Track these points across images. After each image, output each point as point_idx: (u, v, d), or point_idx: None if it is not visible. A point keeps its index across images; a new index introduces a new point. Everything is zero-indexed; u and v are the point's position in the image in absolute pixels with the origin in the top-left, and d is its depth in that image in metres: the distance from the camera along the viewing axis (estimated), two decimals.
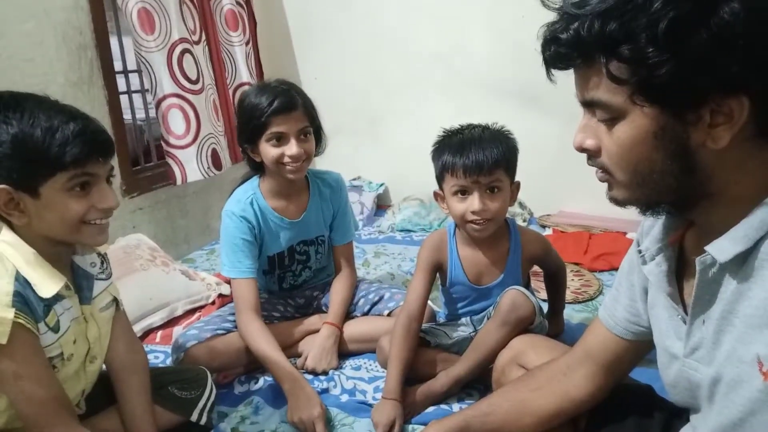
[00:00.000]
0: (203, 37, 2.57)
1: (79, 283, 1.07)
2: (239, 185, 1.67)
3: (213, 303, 2.01)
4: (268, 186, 1.62)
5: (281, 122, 1.47)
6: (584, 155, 0.71)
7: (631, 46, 0.58)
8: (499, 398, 1.03)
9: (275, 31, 3.16)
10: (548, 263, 1.56)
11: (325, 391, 1.46)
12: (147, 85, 2.36)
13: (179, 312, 1.93)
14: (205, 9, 2.61)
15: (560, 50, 0.64)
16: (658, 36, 0.56)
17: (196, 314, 1.95)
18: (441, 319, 1.62)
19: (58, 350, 1.00)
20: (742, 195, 0.63)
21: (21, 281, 0.94)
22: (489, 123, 1.39)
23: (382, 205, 3.15)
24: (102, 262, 1.14)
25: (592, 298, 1.94)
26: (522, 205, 2.83)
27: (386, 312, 1.65)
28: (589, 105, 0.67)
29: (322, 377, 1.52)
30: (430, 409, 1.36)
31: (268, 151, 1.50)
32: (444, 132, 1.40)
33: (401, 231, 2.80)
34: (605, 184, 0.72)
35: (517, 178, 1.38)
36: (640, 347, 0.90)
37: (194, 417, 1.24)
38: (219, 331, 1.54)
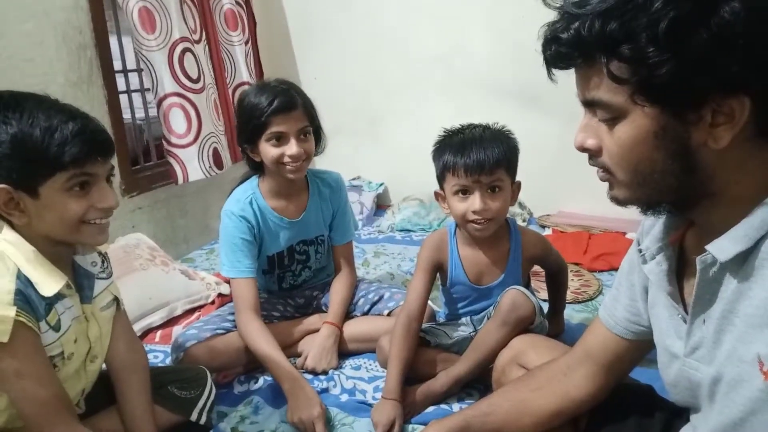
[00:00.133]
0: (203, 37, 2.57)
1: (80, 282, 1.06)
2: (238, 185, 1.67)
3: (212, 302, 2.01)
4: (268, 186, 1.62)
5: (281, 122, 1.47)
6: (584, 155, 0.71)
7: (631, 45, 0.58)
8: (499, 398, 1.03)
9: (275, 31, 3.16)
10: (549, 263, 1.56)
11: (325, 390, 1.46)
12: (148, 85, 2.36)
13: (179, 311, 1.93)
14: (204, 8, 2.61)
15: (561, 50, 0.64)
16: (659, 36, 0.56)
17: (196, 314, 1.95)
18: (441, 319, 1.62)
19: (59, 349, 1.00)
20: (743, 194, 0.63)
21: (22, 280, 0.94)
22: (489, 123, 1.39)
23: (381, 205, 3.15)
24: (103, 262, 1.14)
25: (591, 298, 1.94)
26: (522, 205, 2.83)
27: (386, 312, 1.65)
28: (589, 105, 0.67)
29: (321, 377, 1.52)
30: (430, 408, 1.36)
31: (268, 150, 1.50)
32: (445, 132, 1.40)
33: (401, 231, 2.80)
34: (605, 184, 0.72)
35: (517, 178, 1.38)
36: (641, 347, 0.90)
37: (194, 416, 1.24)
38: (218, 331, 1.54)
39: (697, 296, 0.69)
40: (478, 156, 1.28)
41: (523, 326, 1.31)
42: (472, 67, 2.82)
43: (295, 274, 1.73)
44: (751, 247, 0.61)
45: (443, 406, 1.37)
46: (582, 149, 0.70)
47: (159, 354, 1.72)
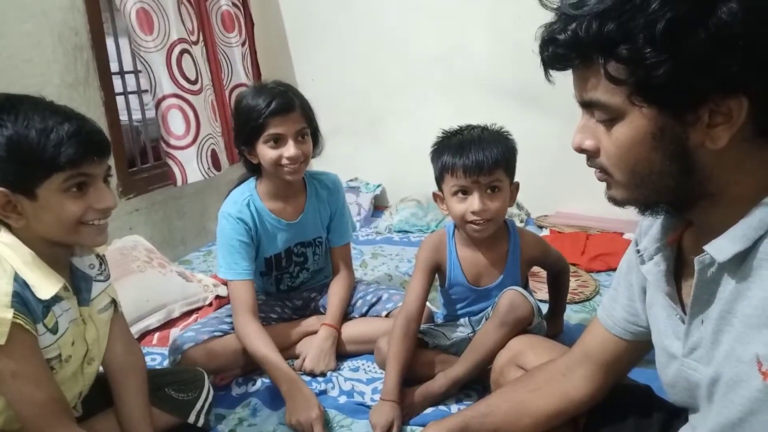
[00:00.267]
0: (200, 38, 2.57)
1: (78, 285, 1.06)
2: (236, 187, 1.67)
3: (210, 305, 2.00)
4: (265, 187, 1.61)
5: (279, 124, 1.47)
6: (582, 156, 0.71)
7: (629, 46, 0.58)
8: (497, 399, 1.03)
9: (272, 32, 3.16)
10: (550, 265, 1.56)
11: (323, 392, 1.46)
12: (146, 86, 2.35)
13: (176, 314, 1.92)
14: (201, 9, 2.61)
15: (558, 51, 0.64)
16: (656, 36, 0.56)
17: (193, 316, 1.94)
18: (439, 320, 1.62)
19: (56, 351, 1.00)
20: (741, 195, 0.63)
21: (20, 282, 0.93)
22: (488, 124, 1.39)
23: (379, 206, 3.15)
24: (100, 264, 1.14)
25: (588, 299, 1.94)
26: (519, 206, 2.84)
27: (384, 313, 1.65)
28: (587, 106, 0.67)
29: (320, 379, 1.52)
30: (429, 410, 1.36)
31: (266, 152, 1.49)
32: (443, 133, 1.40)
33: (399, 232, 2.80)
34: (602, 185, 0.72)
35: (515, 179, 1.38)
36: (639, 347, 0.89)
37: (191, 419, 1.24)
38: (216, 333, 1.54)
39: (696, 297, 0.69)
40: (476, 156, 1.28)
41: (522, 327, 1.31)
42: (472, 68, 2.82)
43: (293, 276, 1.73)
44: (750, 248, 0.61)
45: (442, 407, 1.37)
46: (580, 150, 0.70)
47: (156, 356, 1.71)
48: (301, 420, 1.29)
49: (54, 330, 0.99)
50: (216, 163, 2.55)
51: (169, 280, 1.99)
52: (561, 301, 1.63)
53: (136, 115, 2.68)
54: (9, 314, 0.90)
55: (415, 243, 2.60)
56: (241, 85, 2.82)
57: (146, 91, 2.43)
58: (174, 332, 1.81)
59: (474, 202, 1.31)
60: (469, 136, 1.34)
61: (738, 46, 0.55)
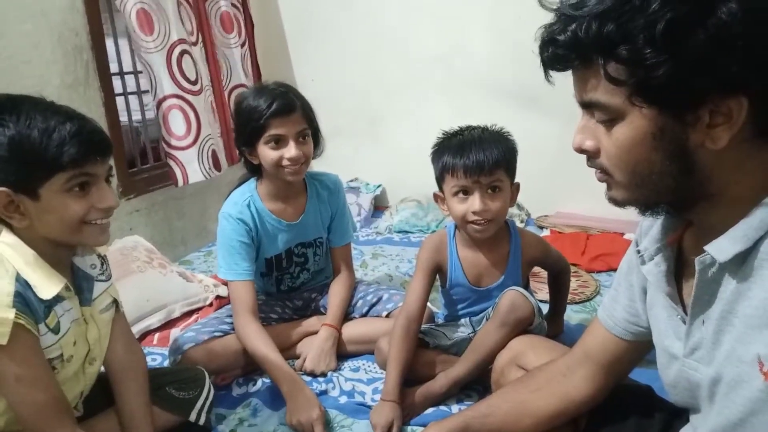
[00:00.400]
0: (199, 39, 2.57)
1: (80, 285, 1.06)
2: (236, 187, 1.67)
3: (210, 305, 2.00)
4: (266, 188, 1.61)
5: (280, 125, 1.47)
6: (583, 156, 0.71)
7: (628, 47, 0.58)
8: (498, 399, 1.03)
9: (272, 33, 3.16)
10: (551, 265, 1.56)
11: (324, 392, 1.46)
12: (147, 86, 2.35)
13: (176, 314, 1.92)
14: (200, 10, 2.61)
15: (558, 52, 0.64)
16: (656, 37, 0.56)
17: (194, 316, 1.94)
18: (440, 320, 1.62)
19: (58, 351, 1.00)
20: (742, 195, 0.63)
21: (21, 282, 0.94)
22: (488, 124, 1.39)
23: (379, 206, 3.15)
24: (102, 264, 1.14)
25: (588, 299, 1.94)
26: (520, 206, 2.84)
27: (385, 313, 1.65)
28: (587, 106, 0.67)
29: (320, 379, 1.52)
30: (429, 410, 1.36)
31: (267, 153, 1.49)
32: (443, 134, 1.40)
33: (399, 232, 2.80)
34: (603, 185, 0.72)
35: (515, 179, 1.38)
36: (640, 347, 0.90)
37: (193, 417, 1.24)
38: (216, 333, 1.54)
39: (696, 297, 0.69)
40: (477, 157, 1.29)
41: (522, 327, 1.31)
42: (472, 68, 2.82)
43: (294, 276, 1.73)
44: (750, 248, 0.61)
45: (442, 407, 1.37)
46: (580, 150, 0.70)
47: (157, 356, 1.71)
48: (302, 420, 1.29)
49: (56, 330, 0.99)
50: (216, 164, 2.56)
51: (169, 281, 1.99)
52: (561, 301, 1.63)
53: (136, 116, 2.68)
54: (11, 314, 0.90)
55: (415, 243, 2.60)
56: (240, 85, 2.82)
57: (146, 91, 2.43)
58: (174, 332, 1.81)
59: (475, 202, 1.31)
60: (470, 137, 1.34)
61: (738, 47, 0.55)
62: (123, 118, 2.47)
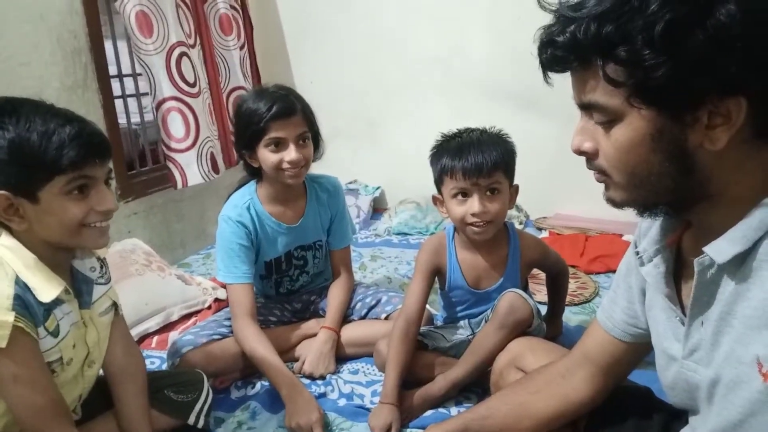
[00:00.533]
0: (198, 41, 2.57)
1: (79, 288, 1.06)
2: (236, 190, 1.67)
3: (209, 307, 2.00)
4: (266, 191, 1.61)
5: (280, 128, 1.47)
6: (582, 158, 0.71)
7: (627, 48, 0.58)
8: (497, 402, 1.03)
9: (270, 35, 3.16)
10: (549, 266, 1.56)
11: (323, 395, 1.46)
12: (146, 89, 2.35)
13: (175, 317, 1.92)
14: (198, 12, 2.61)
15: (557, 53, 0.64)
16: (655, 38, 0.56)
17: (192, 319, 1.94)
18: (439, 322, 1.62)
19: (57, 355, 1.00)
20: (741, 196, 0.63)
21: (21, 285, 0.94)
22: (487, 126, 1.39)
23: (378, 208, 3.15)
24: (101, 267, 1.14)
25: (587, 301, 1.94)
26: (518, 208, 2.84)
27: (383, 315, 1.65)
28: (586, 108, 0.67)
29: (319, 382, 1.52)
30: (428, 412, 1.36)
31: (267, 156, 1.49)
32: (442, 136, 1.40)
33: (398, 234, 2.80)
34: (601, 187, 0.72)
35: (514, 181, 1.38)
36: (639, 349, 0.90)
37: (191, 420, 1.24)
38: (215, 336, 1.53)
39: (695, 298, 0.69)
40: (476, 159, 1.29)
41: (521, 329, 1.31)
42: (471, 69, 2.83)
43: (293, 279, 1.73)
44: (749, 249, 0.61)
45: (441, 409, 1.37)
46: (579, 152, 0.70)
47: (155, 359, 1.71)
48: (301, 423, 1.29)
49: (55, 333, 0.99)
50: (214, 166, 2.56)
51: (168, 284, 1.99)
52: (560, 302, 1.63)
53: (135, 119, 2.68)
54: (10, 317, 0.90)
55: (414, 245, 2.60)
56: (239, 88, 2.82)
57: (145, 94, 2.43)
58: (173, 335, 1.81)
59: (474, 204, 1.31)
60: (468, 139, 1.34)
61: (736, 48, 0.55)
62: (122, 120, 2.47)
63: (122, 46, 2.52)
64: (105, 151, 0.99)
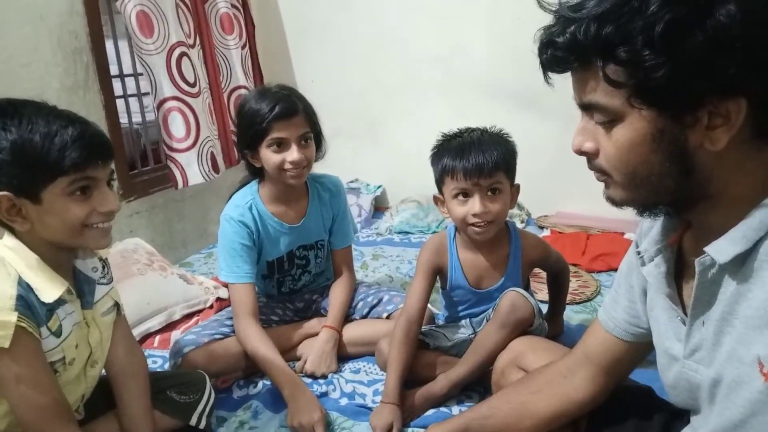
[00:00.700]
0: (197, 41, 2.57)
1: (81, 288, 1.07)
2: (237, 190, 1.67)
3: (211, 307, 2.01)
4: (268, 191, 1.61)
5: (282, 128, 1.47)
6: (583, 156, 0.71)
7: (627, 49, 0.58)
8: (499, 401, 1.03)
9: (271, 34, 3.16)
10: (550, 265, 1.56)
11: (325, 394, 1.46)
12: (147, 89, 2.36)
13: (177, 316, 1.92)
14: (199, 12, 2.61)
15: (557, 54, 0.64)
16: (655, 39, 0.56)
17: (194, 318, 1.94)
18: (440, 321, 1.62)
19: (60, 355, 1.01)
20: (741, 196, 0.63)
21: (24, 286, 0.94)
22: (487, 126, 1.39)
23: (379, 207, 3.15)
24: (103, 267, 1.15)
25: (589, 299, 1.94)
26: (520, 206, 2.84)
27: (385, 315, 1.65)
28: (586, 108, 0.67)
29: (321, 381, 1.52)
30: (430, 412, 1.36)
31: (269, 157, 1.49)
32: (443, 136, 1.40)
33: (399, 233, 2.80)
34: (602, 185, 0.72)
35: (516, 180, 1.38)
36: (640, 349, 0.90)
37: (193, 421, 1.24)
38: (217, 336, 1.54)
39: (696, 298, 0.69)
40: (477, 159, 1.29)
41: (522, 328, 1.32)
42: (472, 68, 2.83)
43: (295, 278, 1.73)
44: (750, 249, 0.61)
45: (443, 409, 1.37)
46: (580, 152, 0.70)
47: (157, 359, 1.71)
48: (303, 422, 1.29)
49: (58, 333, 0.99)
50: (215, 166, 2.56)
51: (170, 283, 1.99)
52: (561, 301, 1.63)
53: (136, 118, 2.68)
54: (13, 317, 0.90)
55: (415, 244, 2.60)
56: (240, 87, 2.82)
57: (146, 93, 2.43)
58: (175, 335, 1.81)
59: (475, 204, 1.31)
60: (469, 139, 1.34)
61: (736, 48, 0.55)
62: (123, 120, 2.47)
63: (123, 45, 2.52)
64: (107, 152, 0.99)
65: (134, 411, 1.15)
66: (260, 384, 1.52)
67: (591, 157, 0.69)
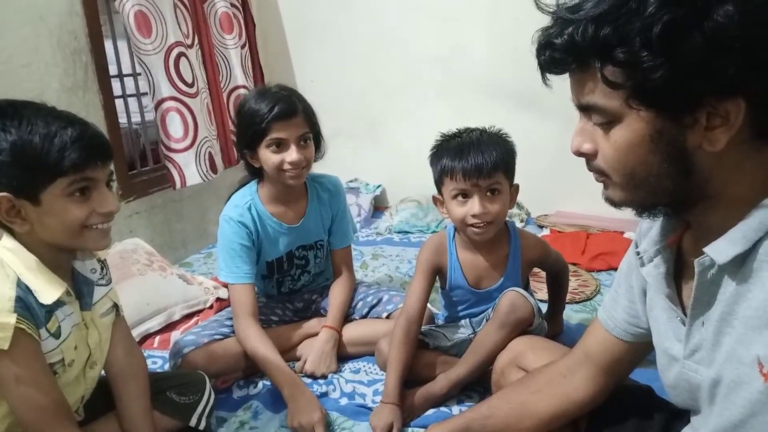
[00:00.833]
0: (196, 41, 2.56)
1: (80, 289, 1.07)
2: (237, 190, 1.67)
3: (211, 307, 2.00)
4: (267, 191, 1.61)
5: (281, 128, 1.47)
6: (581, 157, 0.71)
7: (625, 50, 0.58)
8: (499, 401, 1.03)
9: (271, 34, 3.16)
10: (549, 265, 1.57)
11: (325, 395, 1.46)
12: (146, 89, 2.36)
13: (177, 317, 1.92)
14: (197, 12, 2.60)
15: (555, 55, 0.64)
16: (653, 40, 0.56)
17: (194, 319, 1.94)
18: (440, 321, 1.62)
19: (59, 356, 1.01)
20: (740, 196, 0.63)
21: (23, 287, 0.94)
22: (487, 126, 1.39)
23: (379, 206, 3.15)
24: (102, 268, 1.15)
25: (589, 299, 1.94)
26: (519, 206, 2.84)
27: (385, 314, 1.66)
28: (585, 109, 0.67)
29: (321, 381, 1.52)
30: (430, 411, 1.36)
31: (268, 157, 1.49)
32: (442, 136, 1.40)
33: (399, 233, 2.80)
34: (602, 185, 0.72)
35: (515, 180, 1.38)
36: (640, 349, 0.90)
37: (193, 422, 1.24)
38: (216, 336, 1.54)
39: (696, 299, 0.69)
40: (476, 160, 1.28)
41: (522, 328, 1.32)
42: (471, 68, 2.83)
43: (294, 278, 1.73)
44: (749, 249, 0.61)
45: (443, 408, 1.37)
46: (578, 153, 0.70)
47: (157, 359, 1.71)
48: (303, 423, 1.29)
49: (56, 334, 0.99)
50: (213, 166, 2.55)
51: (169, 283, 1.99)
52: (560, 300, 1.63)
53: (135, 118, 2.68)
54: (12, 319, 0.91)
55: (415, 244, 2.60)
56: (239, 87, 2.82)
57: (146, 93, 2.43)
58: (175, 335, 1.81)
59: (474, 205, 1.31)
60: (468, 139, 1.34)
61: (735, 49, 0.55)
62: (122, 120, 2.47)
63: (122, 45, 2.52)
64: (106, 153, 1.00)
65: (134, 412, 1.15)
66: (260, 384, 1.52)
67: (589, 158, 0.69)
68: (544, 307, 1.57)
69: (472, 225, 1.33)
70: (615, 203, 0.71)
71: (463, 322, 1.51)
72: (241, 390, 1.52)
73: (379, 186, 3.17)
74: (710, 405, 0.70)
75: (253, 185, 1.64)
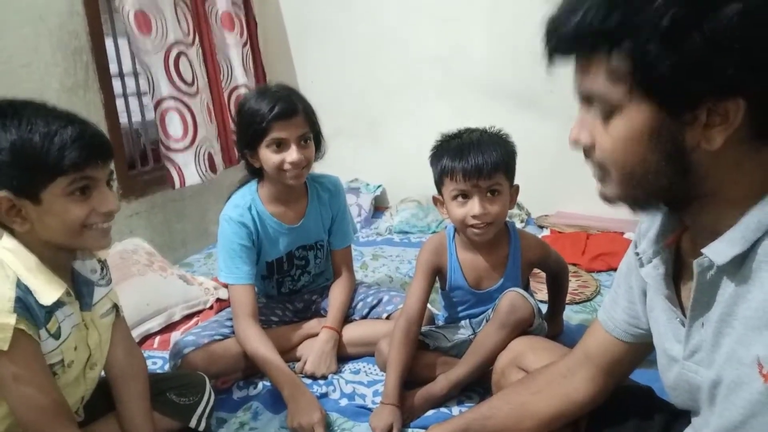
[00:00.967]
0: (196, 40, 2.56)
1: (80, 290, 1.07)
2: (237, 190, 1.67)
3: (211, 308, 2.00)
4: (267, 191, 1.61)
5: (282, 128, 1.47)
6: (583, 157, 0.71)
7: (632, 39, 0.58)
8: (499, 401, 1.03)
9: (272, 34, 3.16)
10: (549, 265, 1.56)
11: (324, 395, 1.46)
12: (145, 88, 2.36)
13: (177, 317, 1.92)
14: (198, 10, 2.60)
15: (561, 42, 0.63)
16: (660, 31, 0.56)
17: (194, 319, 1.94)
18: (440, 322, 1.62)
19: (59, 357, 1.00)
20: (738, 196, 0.62)
21: (22, 288, 0.94)
22: (487, 127, 1.39)
23: (379, 207, 3.15)
24: (102, 269, 1.15)
25: (589, 299, 1.94)
26: (520, 206, 2.84)
27: (385, 315, 1.65)
28: (586, 98, 0.67)
29: (321, 381, 1.52)
30: (430, 412, 1.36)
31: (269, 157, 1.49)
32: (442, 137, 1.40)
33: (399, 233, 2.80)
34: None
35: (515, 180, 1.38)
36: (640, 349, 0.90)
37: (193, 423, 1.24)
38: (216, 337, 1.53)
39: (695, 300, 0.69)
40: (476, 160, 1.28)
41: (522, 328, 1.32)
42: (472, 68, 2.83)
43: (295, 279, 1.73)
44: (748, 250, 0.61)
45: (443, 409, 1.37)
46: (576, 143, 0.70)
47: (157, 360, 1.71)
48: (303, 423, 1.29)
49: (56, 335, 0.99)
50: (212, 166, 2.55)
51: (169, 284, 1.99)
52: (560, 301, 1.63)
53: (136, 117, 2.68)
54: (12, 320, 0.90)
55: (415, 244, 2.60)
56: (240, 86, 2.82)
57: (146, 93, 2.43)
58: (175, 336, 1.81)
59: (474, 206, 1.31)
60: (468, 140, 1.34)
61: (734, 49, 0.55)
62: (123, 119, 2.47)
63: (123, 43, 2.52)
64: (107, 152, 0.99)
65: (134, 413, 1.15)
66: (260, 385, 1.52)
67: (586, 150, 0.69)
68: (544, 308, 1.56)
69: (472, 226, 1.33)
70: (610, 199, 0.70)
71: (463, 322, 1.51)
72: (241, 391, 1.52)
73: (379, 186, 3.17)
74: (710, 406, 0.70)
75: (253, 185, 1.64)
